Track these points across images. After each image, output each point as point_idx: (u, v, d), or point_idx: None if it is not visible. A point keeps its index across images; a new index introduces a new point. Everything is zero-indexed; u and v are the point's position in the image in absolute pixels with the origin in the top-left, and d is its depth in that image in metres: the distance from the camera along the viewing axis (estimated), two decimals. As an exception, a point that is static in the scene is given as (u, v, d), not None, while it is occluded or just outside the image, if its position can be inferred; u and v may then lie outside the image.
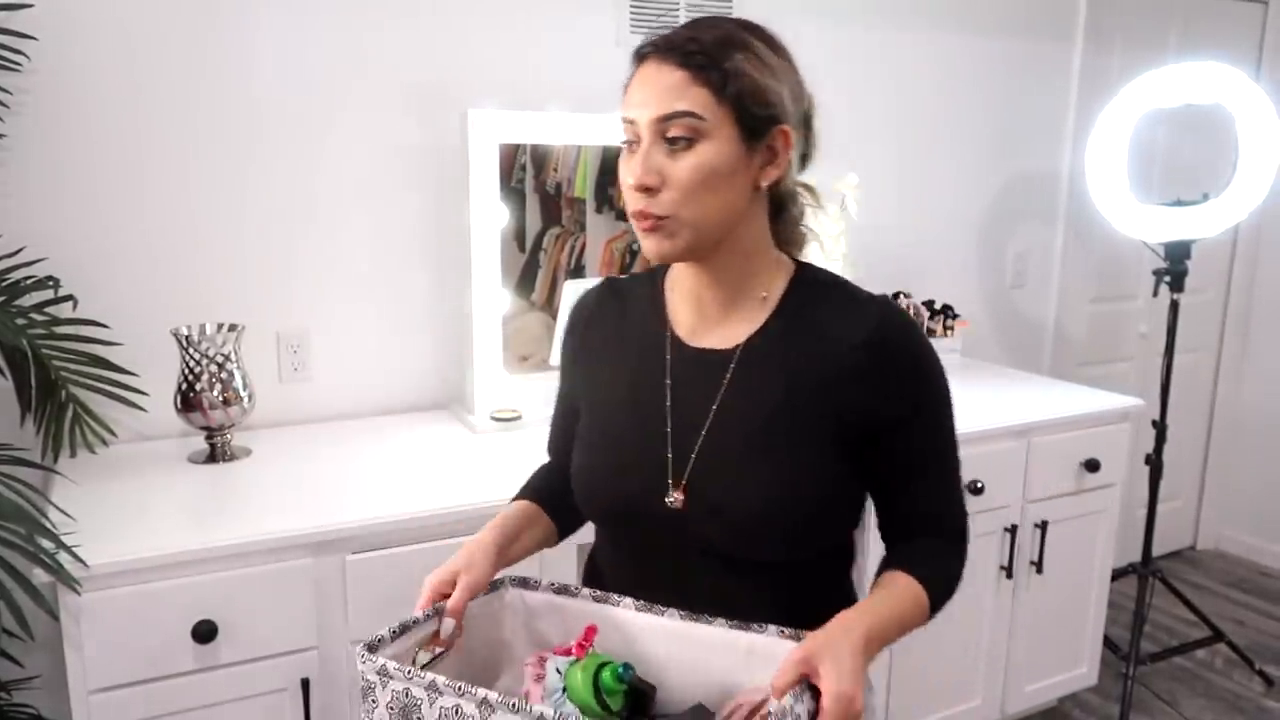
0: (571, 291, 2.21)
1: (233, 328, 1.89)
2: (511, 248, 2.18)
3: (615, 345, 1.15)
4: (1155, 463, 2.84)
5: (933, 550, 1.07)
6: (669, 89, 0.97)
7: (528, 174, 2.21)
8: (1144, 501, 2.92)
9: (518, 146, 2.17)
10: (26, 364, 1.74)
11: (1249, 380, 3.74)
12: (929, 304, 2.75)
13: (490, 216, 2.05)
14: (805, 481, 1.02)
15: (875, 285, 2.91)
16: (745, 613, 1.00)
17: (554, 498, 1.20)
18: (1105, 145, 2.66)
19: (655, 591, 1.05)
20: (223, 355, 1.84)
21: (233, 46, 1.97)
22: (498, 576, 1.09)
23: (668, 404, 1.07)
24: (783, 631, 0.97)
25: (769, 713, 0.83)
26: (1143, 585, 2.87)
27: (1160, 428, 2.81)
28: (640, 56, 1.01)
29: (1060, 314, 3.28)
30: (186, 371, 1.83)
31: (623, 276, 1.23)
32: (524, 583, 1.11)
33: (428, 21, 2.15)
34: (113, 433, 1.90)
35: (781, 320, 1.06)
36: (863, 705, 0.85)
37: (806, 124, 1.08)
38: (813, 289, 1.09)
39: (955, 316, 2.76)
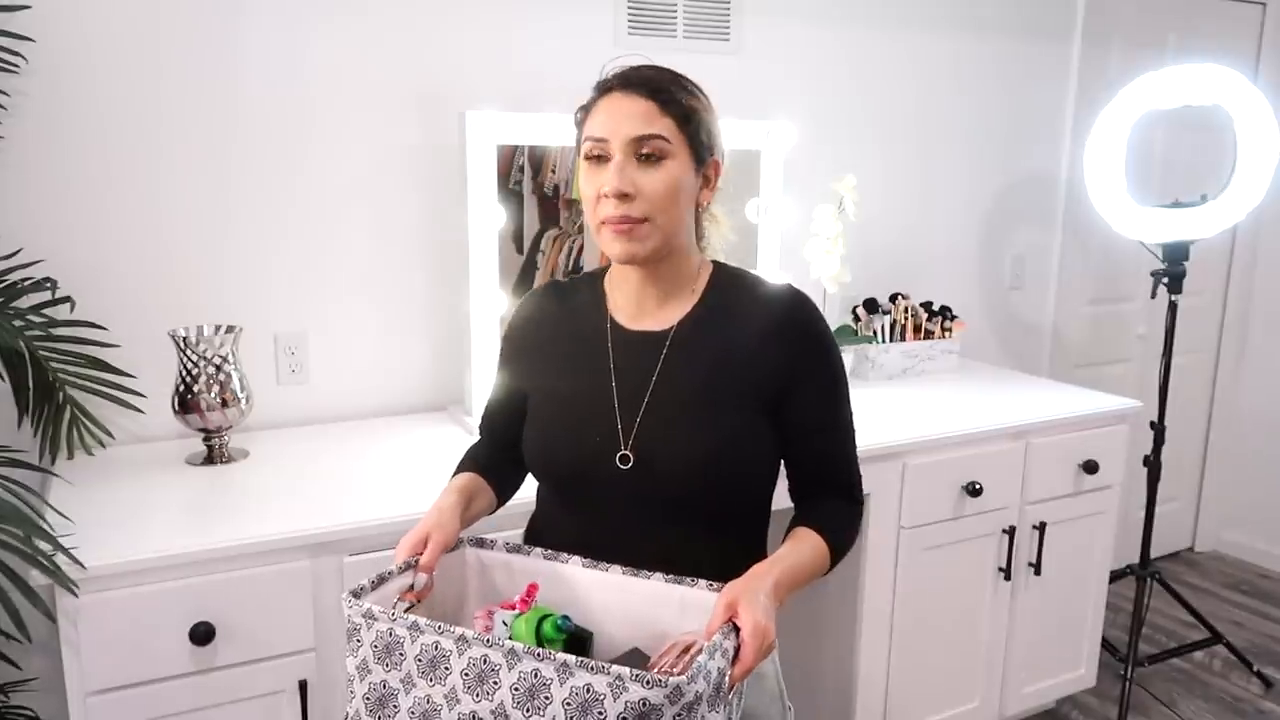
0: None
1: (230, 329, 1.89)
2: (509, 249, 2.18)
3: (563, 337, 1.30)
4: (1153, 464, 2.84)
5: (835, 510, 1.26)
6: (641, 115, 1.15)
7: (525, 175, 2.21)
8: (1142, 503, 2.92)
9: (515, 148, 2.17)
10: (24, 366, 1.74)
11: (1247, 381, 3.74)
12: (927, 305, 2.75)
13: (488, 218, 2.05)
14: (733, 438, 1.19)
15: (873, 286, 2.93)
16: (679, 564, 1.15)
17: (492, 471, 1.36)
18: (1103, 146, 2.66)
19: (598, 548, 1.19)
20: (220, 357, 1.84)
21: (230, 48, 1.97)
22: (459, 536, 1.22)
23: (613, 379, 1.23)
24: (711, 585, 1.11)
25: (701, 647, 0.99)
26: (1141, 587, 2.88)
27: (1158, 429, 2.81)
28: (606, 88, 1.18)
29: (1058, 315, 3.29)
30: (184, 373, 1.83)
31: (564, 279, 1.39)
32: (480, 543, 1.24)
33: (425, 23, 2.15)
34: (110, 435, 1.90)
35: (706, 306, 1.25)
36: (773, 637, 1.03)
37: (722, 160, 1.25)
38: (729, 281, 1.28)
39: (953, 318, 2.76)
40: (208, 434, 1.86)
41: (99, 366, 1.82)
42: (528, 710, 0.95)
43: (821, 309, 1.28)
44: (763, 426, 1.21)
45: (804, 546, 1.18)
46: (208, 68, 1.96)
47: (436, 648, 1.00)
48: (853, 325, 2.67)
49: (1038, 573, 2.35)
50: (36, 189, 1.85)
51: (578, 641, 1.13)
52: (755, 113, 2.49)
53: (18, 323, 1.72)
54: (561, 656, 0.94)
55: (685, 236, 1.23)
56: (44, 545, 1.36)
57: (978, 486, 2.19)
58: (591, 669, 0.92)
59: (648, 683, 0.90)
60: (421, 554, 1.15)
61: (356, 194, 2.14)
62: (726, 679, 0.98)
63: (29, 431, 1.82)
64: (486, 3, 2.20)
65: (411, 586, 1.13)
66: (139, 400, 1.88)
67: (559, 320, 1.32)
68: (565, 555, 1.19)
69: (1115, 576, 2.85)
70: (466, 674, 0.98)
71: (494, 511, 1.36)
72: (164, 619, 1.45)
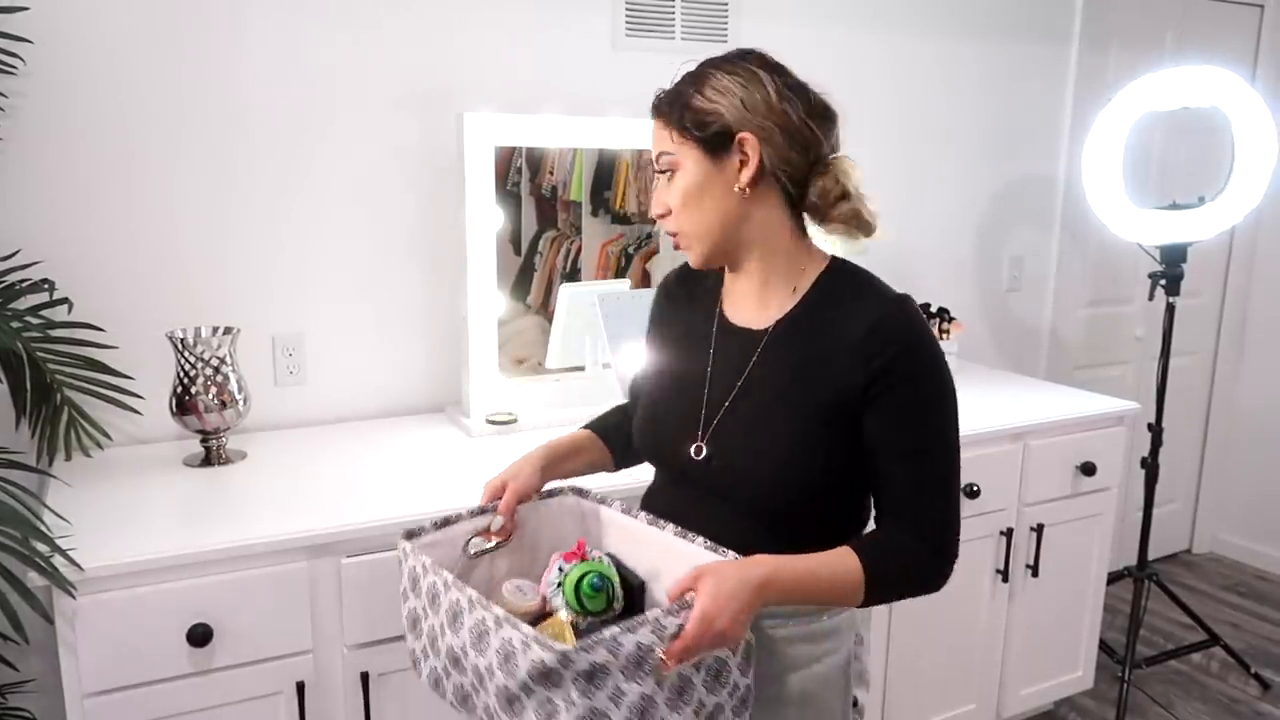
0: (567, 295, 2.21)
1: (228, 331, 1.89)
2: (507, 251, 2.18)
3: (680, 320, 1.35)
4: (1151, 466, 2.84)
5: (895, 543, 1.15)
6: (655, 138, 1.22)
7: (523, 177, 2.21)
8: (1140, 505, 2.92)
9: (513, 149, 2.17)
10: (22, 367, 1.74)
11: (1245, 383, 3.74)
12: (925, 306, 2.76)
13: (486, 219, 2.05)
14: (806, 448, 1.15)
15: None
16: (746, 553, 1.10)
17: (615, 431, 1.45)
18: (1101, 148, 2.66)
19: (679, 521, 1.21)
20: (218, 358, 1.84)
21: (228, 49, 1.97)
22: (559, 485, 1.35)
23: (709, 370, 1.26)
24: (739, 557, 1.10)
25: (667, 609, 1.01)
26: (1139, 589, 2.88)
27: (1156, 431, 2.82)
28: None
29: (1056, 317, 3.29)
30: (182, 374, 1.83)
31: None
32: (581, 493, 1.36)
33: (424, 24, 2.15)
34: (108, 436, 1.90)
35: (806, 308, 1.21)
36: (728, 630, 0.99)
37: (785, 126, 1.17)
38: (839, 282, 1.22)
39: (951, 319, 2.76)
40: (205, 435, 1.86)
41: (97, 368, 1.82)
42: (478, 650, 1.05)
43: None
44: (841, 439, 1.15)
45: (828, 558, 1.11)
46: (206, 69, 1.96)
47: (456, 603, 1.11)
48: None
49: (1035, 574, 2.35)
50: (34, 191, 1.85)
51: (629, 589, 1.23)
52: (753, 114, 2.49)
53: (15, 324, 1.72)
54: (501, 611, 1.02)
55: (754, 228, 1.20)
56: (41, 547, 1.36)
57: (975, 488, 2.19)
58: (514, 625, 1.00)
59: (543, 645, 0.95)
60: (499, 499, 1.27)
61: (354, 195, 2.14)
62: (656, 654, 0.97)
63: (27, 433, 1.81)
64: (484, 4, 2.20)
65: (489, 527, 1.27)
66: (137, 402, 1.88)
67: (681, 303, 1.37)
68: (636, 510, 1.27)
69: (1113, 578, 2.85)
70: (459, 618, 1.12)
71: (612, 470, 1.46)
72: (161, 620, 1.45)
